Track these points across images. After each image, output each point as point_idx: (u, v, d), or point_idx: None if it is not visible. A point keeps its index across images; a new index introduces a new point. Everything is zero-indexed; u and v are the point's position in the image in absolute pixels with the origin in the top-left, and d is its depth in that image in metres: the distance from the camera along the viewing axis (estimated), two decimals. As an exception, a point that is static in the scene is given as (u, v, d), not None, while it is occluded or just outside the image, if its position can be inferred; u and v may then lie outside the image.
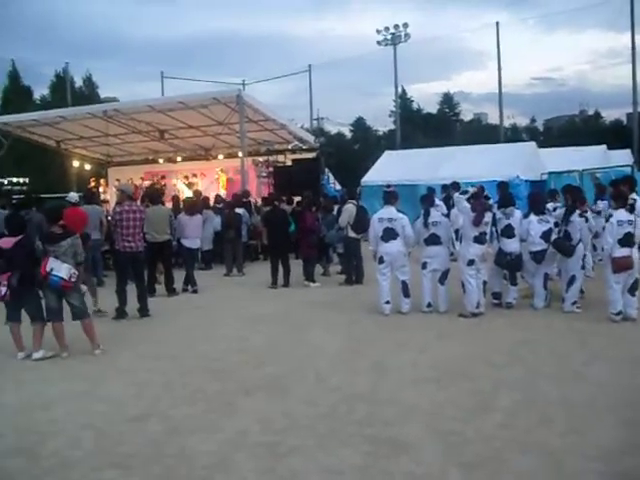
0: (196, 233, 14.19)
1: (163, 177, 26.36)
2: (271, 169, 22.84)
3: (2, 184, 26.00)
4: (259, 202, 19.97)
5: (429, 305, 10.57)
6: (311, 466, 4.94)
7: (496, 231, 10.76)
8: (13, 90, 49.21)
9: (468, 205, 10.14)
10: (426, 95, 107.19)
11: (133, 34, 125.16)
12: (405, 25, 45.04)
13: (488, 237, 10.49)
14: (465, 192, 10.57)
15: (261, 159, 23.58)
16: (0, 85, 50.21)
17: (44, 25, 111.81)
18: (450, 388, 6.66)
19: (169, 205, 16.13)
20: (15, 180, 30.50)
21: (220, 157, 25.75)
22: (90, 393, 6.98)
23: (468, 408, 6.03)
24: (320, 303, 11.77)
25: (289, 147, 24.41)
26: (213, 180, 25.79)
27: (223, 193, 22.13)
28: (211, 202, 18.19)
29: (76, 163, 27.13)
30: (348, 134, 66.79)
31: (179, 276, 13.64)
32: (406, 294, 10.56)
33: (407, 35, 45.12)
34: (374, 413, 5.98)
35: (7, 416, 6.38)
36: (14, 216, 10.08)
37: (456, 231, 10.66)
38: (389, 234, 10.48)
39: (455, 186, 15.47)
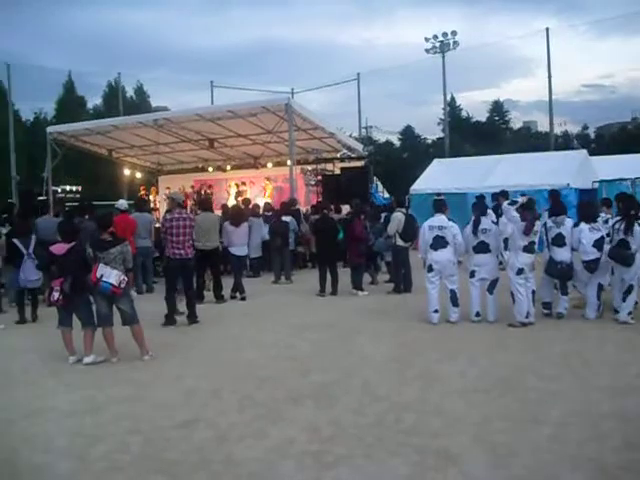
0: (243, 241, 14.26)
1: (210, 186, 26.49)
2: (319, 177, 22.84)
3: (56, 192, 26.43)
4: (308, 210, 19.97)
5: (478, 314, 10.46)
6: (358, 476, 4.91)
7: (547, 240, 10.61)
8: (68, 100, 50.27)
9: (517, 214, 10.02)
10: (475, 103, 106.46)
11: (183, 44, 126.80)
12: (454, 33, 44.75)
13: (537, 246, 10.35)
14: (514, 202, 10.45)
15: (310, 167, 23.60)
16: (56, 95, 51.32)
17: (97, 37, 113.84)
18: (499, 399, 6.57)
19: (218, 212, 16.25)
20: (68, 188, 30.99)
21: (269, 165, 25.90)
22: (138, 398, 7.05)
23: (517, 420, 5.93)
24: (368, 311, 11.72)
25: (338, 155, 24.39)
26: (261, 188, 25.91)
27: (271, 201, 22.20)
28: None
29: (127, 171, 27.62)
30: (397, 142, 66.63)
31: (227, 283, 13.71)
32: (455, 303, 10.47)
33: (456, 43, 44.80)
34: (422, 423, 5.93)
35: (58, 419, 6.48)
36: (67, 223, 10.29)
37: (505, 240, 10.51)
38: (439, 242, 10.41)
39: (504, 195, 15.31)
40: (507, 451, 5.21)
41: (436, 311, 10.46)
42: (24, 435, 6.04)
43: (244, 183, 25.85)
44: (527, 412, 6.14)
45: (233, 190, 25.76)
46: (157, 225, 16.07)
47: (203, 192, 25.01)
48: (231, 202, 22.81)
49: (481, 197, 14.20)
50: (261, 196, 24.71)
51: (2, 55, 76.80)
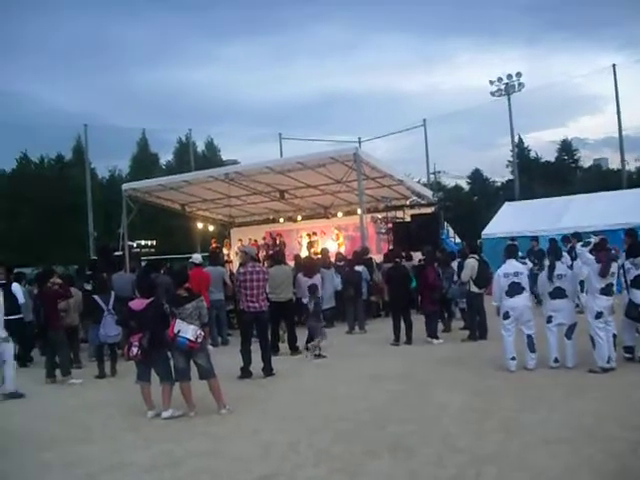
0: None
1: (279, 234, 26.72)
2: (390, 225, 22.84)
3: (131, 247, 27.05)
4: (380, 259, 19.95)
5: (556, 360, 10.20)
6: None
7: (625, 282, 10.35)
8: (141, 157, 51.82)
9: (592, 256, 9.83)
10: (542, 143, 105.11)
11: (250, 98, 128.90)
12: (518, 74, 44.58)
13: (615, 288, 10.10)
14: (587, 243, 10.26)
15: (380, 215, 23.62)
16: (129, 153, 52.98)
17: (167, 94, 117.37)
18: (584, 450, 6.34)
19: (291, 263, 16.35)
20: (143, 243, 31.72)
21: (339, 215, 26.02)
22: (216, 452, 7.08)
23: (605, 473, 5.74)
24: (443, 360, 11.58)
25: (407, 202, 24.41)
26: (334, 237, 26.04)
27: (342, 250, 22.25)
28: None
29: (200, 225, 28.10)
30: (465, 186, 66.28)
31: (302, 334, 13.73)
32: (532, 349, 10.26)
33: (521, 84, 44.62)
34: (504, 476, 5.79)
35: (137, 474, 6.56)
36: (145, 279, 10.51)
37: (581, 282, 10.29)
38: (515, 289, 10.27)
39: (576, 236, 15.06)
40: (594, 506, 5.05)
41: (513, 358, 10.27)
42: (106, 491, 6.13)
43: (315, 233, 26.03)
44: (614, 464, 5.93)
45: (305, 241, 25.96)
46: (230, 277, 16.23)
47: (278, 241, 25.16)
48: (303, 253, 22.98)
49: (553, 240, 14.01)
50: (333, 245, 24.77)
51: (79, 116, 79.71)
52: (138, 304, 9.02)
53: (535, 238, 17.73)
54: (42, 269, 13.17)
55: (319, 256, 18.62)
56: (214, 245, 25.88)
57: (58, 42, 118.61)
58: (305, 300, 13.87)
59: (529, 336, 10.27)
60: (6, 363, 10.63)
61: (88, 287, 13.06)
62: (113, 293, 12.28)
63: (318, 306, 13.13)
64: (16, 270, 15.56)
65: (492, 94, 45.60)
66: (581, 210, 22.87)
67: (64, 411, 9.67)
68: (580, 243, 10.88)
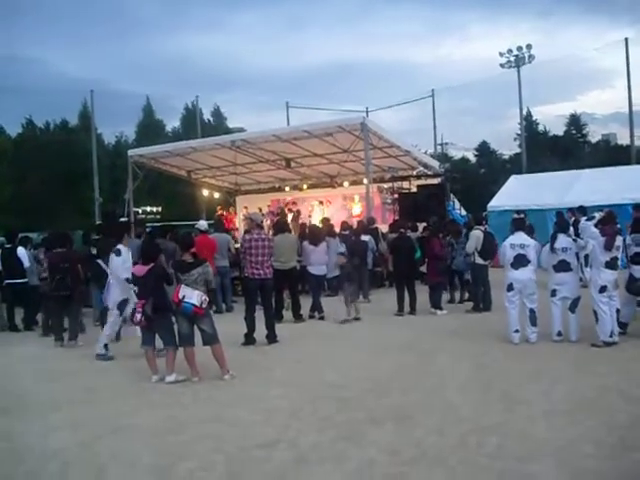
0: (322, 260, 14.33)
1: (294, 203, 26.57)
2: (396, 195, 22.79)
3: (137, 213, 27.11)
4: (385, 229, 19.92)
5: (559, 334, 10.22)
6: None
7: (626, 257, 10.33)
8: (147, 124, 51.72)
9: (596, 230, 9.81)
10: (550, 117, 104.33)
11: (257, 66, 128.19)
12: (529, 47, 44.35)
13: (619, 263, 10.08)
14: (592, 218, 10.23)
15: (386, 186, 23.57)
16: (136, 119, 52.85)
17: (174, 61, 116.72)
18: (585, 422, 6.39)
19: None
20: (149, 209, 31.77)
21: (345, 184, 25.94)
22: (220, 417, 7.14)
23: (605, 444, 5.76)
24: (447, 331, 11.62)
25: (414, 173, 24.31)
26: (339, 207, 25.97)
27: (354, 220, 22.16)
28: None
29: (205, 192, 28.01)
30: (472, 159, 66.06)
31: (306, 303, 13.78)
32: (534, 323, 10.28)
33: (531, 57, 44.37)
34: (505, 446, 5.82)
35: (142, 437, 6.62)
36: (148, 245, 10.50)
37: (585, 256, 10.28)
38: (520, 261, 10.26)
39: (581, 210, 15.01)
40: (595, 478, 5.08)
41: (517, 331, 10.29)
42: (111, 451, 6.19)
43: (321, 202, 25.97)
44: (615, 436, 5.95)
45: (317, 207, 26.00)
46: (236, 245, 16.26)
47: (295, 211, 24.90)
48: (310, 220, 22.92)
49: (560, 214, 13.96)
50: (340, 215, 24.65)
51: (85, 82, 79.42)
52: (139, 270, 9.05)
53: (521, 212, 17.54)
54: (59, 233, 13.14)
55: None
56: (219, 212, 25.86)
57: (65, 7, 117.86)
58: (312, 269, 13.98)
59: (531, 310, 10.29)
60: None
61: (94, 252, 13.05)
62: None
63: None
64: (21, 235, 15.57)
65: (502, 66, 45.40)
66: (589, 185, 22.78)
67: (70, 374, 9.73)
68: (584, 217, 10.86)
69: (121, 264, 10.47)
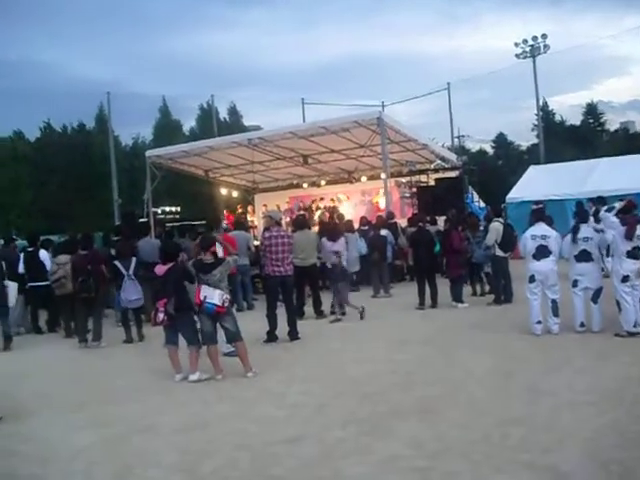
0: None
1: (321, 199, 26.56)
2: (414, 189, 22.75)
3: (156, 213, 27.16)
4: (404, 223, 19.90)
5: (582, 325, 10.16)
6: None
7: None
8: (164, 124, 51.90)
9: (616, 219, 9.73)
10: (566, 106, 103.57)
11: (272, 63, 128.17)
12: (544, 36, 44.02)
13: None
14: (612, 208, 10.16)
15: (404, 180, 23.54)
16: (152, 120, 53.04)
17: (188, 61, 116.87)
18: (610, 413, 6.35)
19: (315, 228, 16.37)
20: (168, 209, 31.81)
21: (363, 179, 25.93)
22: (244, 414, 7.16)
23: (631, 435, 5.72)
24: (469, 324, 11.59)
25: (431, 166, 24.27)
26: (357, 202, 25.97)
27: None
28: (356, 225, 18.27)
29: (224, 191, 28.07)
30: (490, 150, 65.70)
31: (327, 298, 13.79)
32: (556, 313, 10.22)
33: (546, 46, 44.04)
34: (530, 438, 5.79)
35: (167, 435, 6.65)
36: (167, 244, 10.57)
37: (607, 246, 10.20)
38: (542, 252, 10.20)
39: (600, 201, 14.90)
40: (621, 469, 5.03)
41: (539, 322, 10.24)
42: (136, 450, 6.23)
43: (332, 200, 26.00)
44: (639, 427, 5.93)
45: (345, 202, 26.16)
46: (256, 243, 16.31)
47: (327, 209, 24.86)
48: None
49: (580, 203, 13.88)
50: (359, 210, 24.69)
51: (100, 84, 79.87)
52: (160, 270, 9.10)
53: (540, 202, 17.42)
54: (83, 234, 13.26)
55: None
56: (240, 210, 25.92)
57: (79, 9, 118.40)
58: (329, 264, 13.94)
59: (553, 300, 10.23)
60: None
61: (114, 253, 13.15)
62: (134, 259, 12.35)
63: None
64: (43, 237, 15.69)
65: (517, 56, 45.11)
66: (607, 173, 22.64)
67: (94, 374, 9.83)
68: (605, 207, 10.79)
69: None
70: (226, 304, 8.55)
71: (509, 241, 13.21)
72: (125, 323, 12.35)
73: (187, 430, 6.75)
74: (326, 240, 14.12)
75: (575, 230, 10.21)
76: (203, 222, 23.90)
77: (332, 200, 25.94)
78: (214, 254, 9.01)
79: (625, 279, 9.66)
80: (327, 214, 23.71)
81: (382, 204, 24.69)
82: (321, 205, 25.68)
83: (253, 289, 16.31)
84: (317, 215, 24.09)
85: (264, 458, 5.80)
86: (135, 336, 12.23)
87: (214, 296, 8.45)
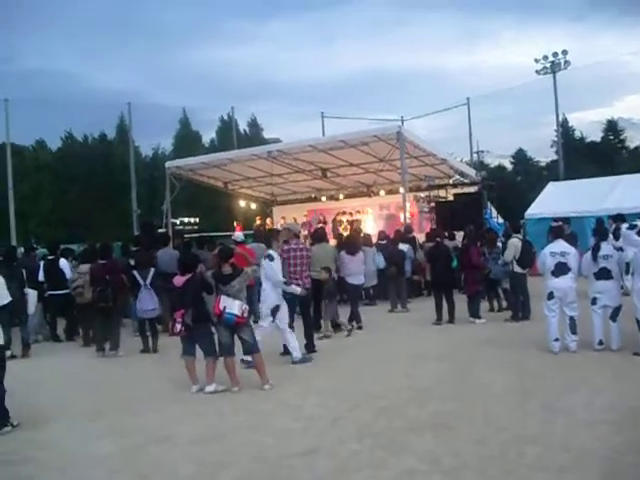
0: (359, 269, 14.32)
1: (343, 213, 26.45)
2: (432, 204, 22.73)
3: (174, 224, 27.33)
4: (422, 238, 19.89)
5: (601, 343, 10.09)
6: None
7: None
8: (184, 136, 52.23)
9: (638, 238, 9.69)
10: (586, 123, 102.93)
11: (291, 77, 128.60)
12: (564, 52, 43.92)
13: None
14: (634, 226, 10.12)
15: (422, 194, 23.53)
16: (172, 131, 53.40)
17: (209, 74, 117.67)
18: (628, 432, 6.31)
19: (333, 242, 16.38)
20: (186, 220, 31.98)
21: (382, 193, 25.96)
22: (260, 426, 7.18)
23: (650, 455, 5.70)
24: (486, 340, 11.54)
25: (450, 181, 24.23)
26: (376, 217, 26.01)
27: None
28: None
29: (242, 203, 28.18)
30: (509, 166, 65.53)
31: (344, 312, 13.78)
32: (574, 331, 10.16)
33: (567, 62, 43.95)
34: (546, 457, 5.78)
35: (184, 446, 6.67)
36: (186, 255, 10.63)
37: (627, 264, 10.15)
38: (561, 269, 10.16)
39: (620, 218, 14.82)
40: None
41: (557, 340, 10.19)
42: (154, 461, 6.27)
43: (359, 212, 26.05)
44: (659, 446, 5.89)
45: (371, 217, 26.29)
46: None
47: (350, 222, 24.89)
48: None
49: (600, 221, 13.82)
50: (378, 224, 24.74)
51: (121, 95, 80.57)
52: (178, 281, 9.15)
53: (563, 220, 17.38)
54: (102, 244, 13.35)
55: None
56: (259, 222, 26.01)
57: (99, 21, 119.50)
58: (350, 279, 13.94)
59: (571, 318, 10.18)
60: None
61: (133, 263, 13.23)
62: (153, 269, 12.41)
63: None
64: (63, 246, 15.81)
65: (537, 72, 45.05)
66: (627, 191, 22.46)
67: (111, 383, 9.89)
68: (625, 225, 10.74)
69: (275, 269, 10.42)
70: (245, 314, 8.58)
71: (527, 257, 13.15)
72: (142, 333, 12.40)
73: (203, 441, 6.78)
74: (345, 254, 14.13)
75: (596, 248, 10.18)
76: (221, 233, 24.11)
77: (356, 212, 26.07)
78: (233, 265, 9.04)
79: (646, 297, 9.60)
80: (348, 226, 23.80)
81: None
82: (344, 218, 25.71)
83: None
84: (342, 227, 24.06)
85: (280, 470, 5.82)
86: (151, 347, 12.27)
87: (234, 307, 8.48)
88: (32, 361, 12.00)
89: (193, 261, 9.51)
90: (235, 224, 26.05)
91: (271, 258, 10.41)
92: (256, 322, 13.37)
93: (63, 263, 14.11)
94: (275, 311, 10.38)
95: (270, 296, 10.41)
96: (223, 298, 8.55)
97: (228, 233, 23.81)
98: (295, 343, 10.51)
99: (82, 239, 30.79)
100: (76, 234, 37.30)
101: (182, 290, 8.99)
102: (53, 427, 7.57)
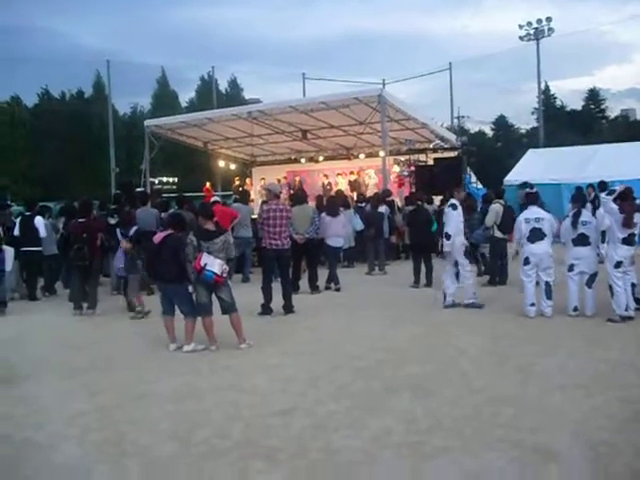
0: (339, 232, 14.35)
1: (326, 175, 26.53)
2: (412, 168, 22.73)
3: (153, 183, 27.16)
4: (401, 202, 19.92)
5: (575, 309, 10.22)
6: (456, 468, 4.90)
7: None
8: (162, 95, 51.73)
9: (615, 206, 9.77)
10: (566, 91, 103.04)
11: (273, 38, 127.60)
12: (549, 19, 43.85)
13: (637, 238, 10.05)
14: (612, 192, 10.18)
15: (402, 158, 23.51)
16: (150, 90, 52.84)
17: (189, 33, 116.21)
18: (599, 396, 6.42)
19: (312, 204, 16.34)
20: (165, 179, 31.83)
21: (361, 156, 25.90)
22: (237, 386, 7.20)
23: (619, 418, 5.79)
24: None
25: (430, 146, 24.22)
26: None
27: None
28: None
29: (222, 163, 28.01)
30: (489, 132, 65.62)
31: (322, 274, 13.82)
32: (549, 296, 10.27)
33: (551, 29, 43.85)
34: (520, 417, 5.86)
35: (161, 404, 6.68)
36: (175, 215, 10.60)
37: (602, 232, 10.24)
38: (536, 234, 10.25)
39: (602, 185, 14.92)
40: (609, 450, 5.09)
41: (533, 304, 10.30)
42: (130, 418, 6.27)
43: (339, 174, 25.99)
44: (630, 410, 5.98)
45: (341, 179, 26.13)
46: (254, 216, 16.30)
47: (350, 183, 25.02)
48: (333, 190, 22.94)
49: (579, 189, 13.92)
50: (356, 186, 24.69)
51: (99, 52, 79.40)
52: (157, 237, 9.13)
53: (527, 185, 17.43)
54: (83, 201, 13.16)
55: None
56: (238, 183, 25.87)
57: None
58: (330, 241, 13.97)
59: (547, 283, 10.29)
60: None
61: (112, 221, 13.13)
62: (135, 227, 12.32)
63: None
64: (41, 204, 15.64)
65: (521, 38, 44.95)
66: (607, 160, 22.65)
67: (89, 342, 9.84)
68: (605, 192, 10.81)
69: (457, 217, 11.13)
70: (225, 275, 8.58)
71: (509, 223, 13.21)
72: (125, 291, 12.33)
73: (181, 399, 6.79)
74: (325, 215, 14.13)
75: (577, 214, 10.24)
76: (200, 194, 23.96)
77: (356, 173, 26.04)
78: (216, 223, 9.03)
79: (618, 265, 9.73)
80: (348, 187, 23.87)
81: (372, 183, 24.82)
82: (343, 180, 25.85)
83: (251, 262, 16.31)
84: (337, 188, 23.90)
85: (256, 429, 5.84)
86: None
87: (214, 265, 8.46)
88: (8, 319, 11.93)
89: (179, 220, 9.48)
90: (207, 185, 25.70)
91: (454, 207, 11.35)
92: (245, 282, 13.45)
93: (38, 221, 13.92)
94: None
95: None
96: (204, 255, 8.52)
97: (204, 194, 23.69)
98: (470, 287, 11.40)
99: (60, 197, 30.49)
100: (53, 192, 36.93)
101: (159, 246, 8.97)
102: (29, 384, 7.55)
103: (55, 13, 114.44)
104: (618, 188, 10.21)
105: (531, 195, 10.99)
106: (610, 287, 9.79)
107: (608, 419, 5.76)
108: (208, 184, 25.45)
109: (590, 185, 16.59)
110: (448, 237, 11.09)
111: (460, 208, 11.27)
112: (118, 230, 12.17)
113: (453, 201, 11.34)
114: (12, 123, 46.02)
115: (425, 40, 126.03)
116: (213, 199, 15.15)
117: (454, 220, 11.12)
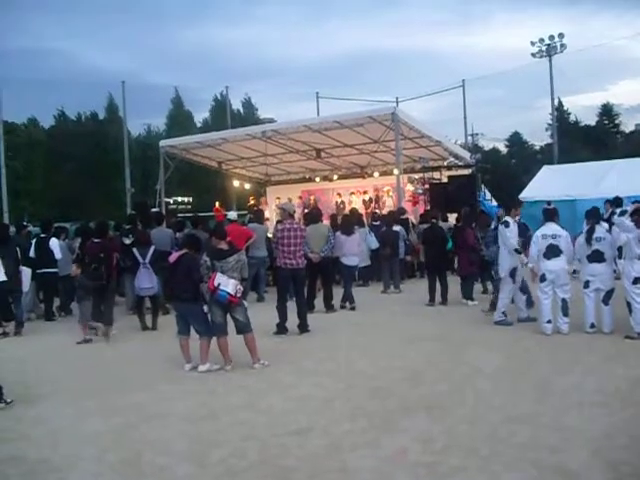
0: (354, 250, 14.33)
1: (340, 194, 26.57)
2: (427, 186, 22.70)
3: (168, 203, 27.27)
4: (416, 220, 19.88)
5: (592, 326, 10.15)
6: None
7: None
8: (177, 115, 52.11)
9: (631, 223, 9.71)
10: (579, 107, 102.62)
11: (285, 57, 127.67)
12: (560, 35, 43.85)
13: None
14: (624, 212, 10.13)
15: (416, 176, 23.49)
16: (165, 111, 53.27)
17: (202, 53, 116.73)
18: (619, 414, 6.36)
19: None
20: (180, 199, 31.97)
21: (375, 175, 25.90)
22: (253, 405, 7.19)
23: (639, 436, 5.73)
24: (479, 321, 11.61)
25: (444, 164, 24.19)
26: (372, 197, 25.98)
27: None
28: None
29: (236, 183, 28.05)
30: (503, 149, 65.55)
31: (337, 293, 13.80)
32: (566, 313, 10.20)
33: (563, 46, 43.86)
34: (538, 437, 5.81)
35: (176, 424, 6.68)
36: (191, 236, 10.63)
37: (619, 248, 10.18)
38: (553, 251, 10.21)
39: (617, 201, 14.81)
40: (631, 470, 5.03)
41: (549, 321, 10.23)
42: (146, 438, 6.27)
43: (352, 193, 26.02)
44: (650, 428, 5.92)
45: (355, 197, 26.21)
46: (269, 234, 16.32)
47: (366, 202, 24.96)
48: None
49: (596, 208, 13.83)
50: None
51: (113, 74, 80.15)
52: (172, 257, 9.17)
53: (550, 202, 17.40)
54: (99, 222, 13.23)
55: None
56: (252, 202, 25.91)
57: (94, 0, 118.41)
58: (345, 260, 13.93)
59: (563, 300, 10.22)
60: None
61: (127, 241, 13.19)
62: (152, 247, 12.36)
63: None
64: (57, 224, 15.74)
65: (533, 55, 44.94)
66: (622, 175, 22.49)
67: (104, 362, 9.88)
68: (618, 212, 10.75)
69: (511, 235, 11.05)
70: (239, 295, 8.58)
71: (523, 240, 13.15)
72: (140, 311, 12.39)
73: (196, 419, 6.79)
74: (340, 234, 14.12)
75: (590, 230, 10.20)
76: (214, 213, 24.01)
77: (375, 191, 26.06)
78: (230, 243, 9.05)
79: (636, 281, 9.63)
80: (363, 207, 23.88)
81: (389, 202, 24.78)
82: (358, 199, 25.86)
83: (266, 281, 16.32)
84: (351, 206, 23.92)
85: (272, 449, 5.83)
86: (149, 324, 12.27)
87: (228, 284, 8.47)
88: (25, 339, 11.98)
89: (194, 240, 9.51)
90: (217, 205, 25.69)
91: (507, 225, 11.16)
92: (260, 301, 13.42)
93: (53, 243, 14.01)
94: (513, 273, 11.12)
95: (507, 260, 11.17)
96: (218, 275, 8.54)
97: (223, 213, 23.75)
98: (501, 305, 11.35)
99: (76, 218, 30.69)
100: (70, 213, 37.19)
101: (174, 265, 9.00)
102: (45, 405, 7.56)
103: (68, 36, 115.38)
104: (630, 207, 10.16)
105: (549, 211, 10.93)
106: (628, 304, 9.70)
107: (629, 438, 5.69)
108: (217, 204, 25.47)
109: (608, 201, 16.47)
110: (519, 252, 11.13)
111: (513, 226, 11.25)
112: (135, 250, 12.24)
113: (507, 219, 11.34)
114: (29, 144, 46.43)
115: (437, 57, 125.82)
116: (230, 216, 15.11)
117: (506, 237, 11.15)
